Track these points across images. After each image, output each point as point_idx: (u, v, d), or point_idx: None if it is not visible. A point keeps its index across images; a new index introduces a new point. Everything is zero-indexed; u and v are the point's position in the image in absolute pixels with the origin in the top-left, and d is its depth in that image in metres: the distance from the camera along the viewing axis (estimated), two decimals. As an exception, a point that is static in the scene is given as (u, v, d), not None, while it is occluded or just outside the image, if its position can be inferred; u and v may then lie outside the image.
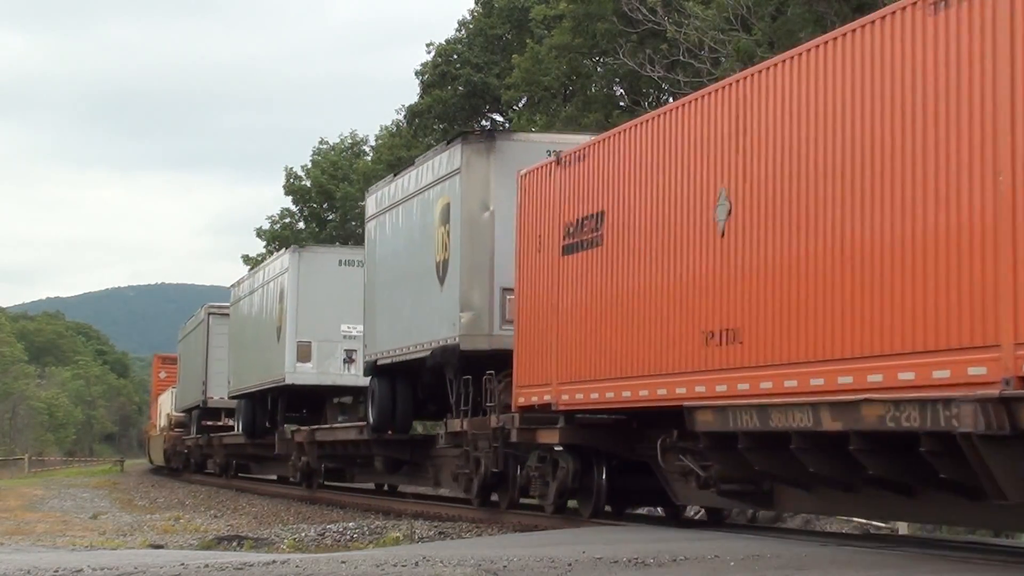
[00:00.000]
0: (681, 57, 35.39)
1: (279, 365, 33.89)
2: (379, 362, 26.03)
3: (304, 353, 33.10)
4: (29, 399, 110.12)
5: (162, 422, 63.24)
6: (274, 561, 12.53)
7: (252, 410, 38.66)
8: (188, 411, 52.22)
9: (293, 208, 73.09)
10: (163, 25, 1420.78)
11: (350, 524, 22.72)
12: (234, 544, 19.80)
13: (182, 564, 12.29)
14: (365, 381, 30.19)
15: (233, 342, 42.21)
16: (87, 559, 13.19)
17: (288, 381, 33.45)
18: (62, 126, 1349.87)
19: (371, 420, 26.20)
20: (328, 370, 33.20)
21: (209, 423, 47.58)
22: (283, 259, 34.87)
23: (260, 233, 73.98)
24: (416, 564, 12.06)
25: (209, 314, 47.29)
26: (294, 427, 34.10)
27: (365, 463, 29.40)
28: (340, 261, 33.37)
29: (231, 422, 44.38)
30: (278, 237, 71.55)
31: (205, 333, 47.19)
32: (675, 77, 36.55)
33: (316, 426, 32.66)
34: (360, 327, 29.77)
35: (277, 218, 73.42)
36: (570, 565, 11.93)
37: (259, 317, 37.67)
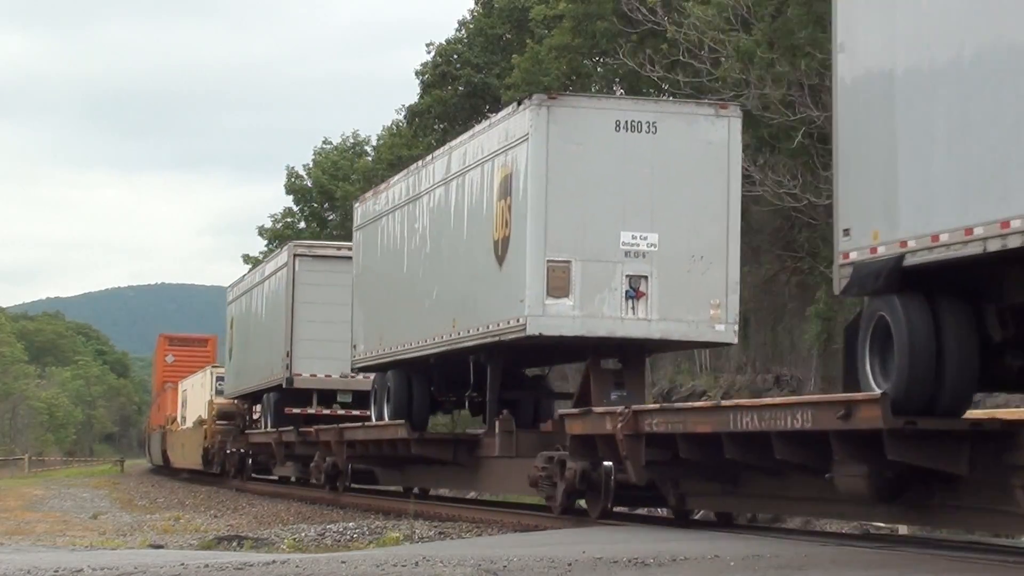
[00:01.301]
0: (681, 57, 35.38)
1: (509, 304, 20.33)
2: (908, 261, 12.62)
3: (559, 282, 19.67)
4: (29, 399, 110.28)
5: (191, 414, 52.36)
6: (274, 561, 12.53)
7: (407, 387, 25.60)
8: (250, 396, 40.39)
9: (294, 208, 73.17)
10: (164, 25, 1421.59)
11: (350, 524, 22.71)
12: (234, 544, 19.78)
13: (182, 564, 12.29)
14: (659, 331, 19.99)
15: (370, 284, 28.06)
16: (87, 559, 13.19)
17: (531, 331, 19.79)
18: (62, 126, 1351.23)
19: (880, 386, 13.04)
20: (600, 311, 19.90)
21: (296, 411, 34.22)
22: (516, 120, 20.48)
23: (262, 232, 74.03)
24: (416, 564, 12.06)
25: (296, 256, 34.05)
26: (568, 410, 19.98)
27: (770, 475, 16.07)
28: (619, 123, 20.12)
29: (327, 410, 34.02)
30: (280, 236, 71.69)
31: (287, 286, 34.09)
32: (675, 77, 36.53)
33: (659, 404, 19.83)
34: (653, 236, 19.66)
35: (279, 217, 73.50)
36: (570, 565, 11.94)
37: (444, 229, 23.59)
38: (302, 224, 72.08)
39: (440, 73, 54.82)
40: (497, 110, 56.08)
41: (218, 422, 45.13)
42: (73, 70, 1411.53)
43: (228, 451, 43.44)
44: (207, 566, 11.99)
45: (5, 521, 27.95)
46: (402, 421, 24.76)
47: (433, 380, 25.27)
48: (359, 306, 28.47)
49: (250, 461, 41.07)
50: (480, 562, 12.12)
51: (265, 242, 73.21)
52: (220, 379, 46.36)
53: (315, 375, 33.66)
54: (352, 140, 73.13)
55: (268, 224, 73.92)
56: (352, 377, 31.30)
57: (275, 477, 40.28)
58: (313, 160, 72.39)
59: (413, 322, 24.65)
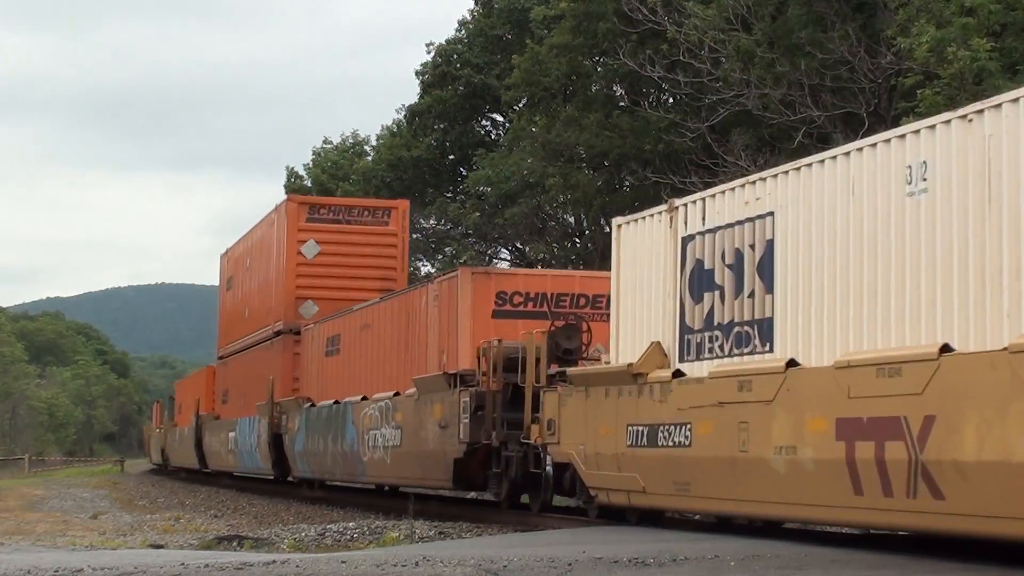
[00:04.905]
0: (681, 57, 35.40)
1: None
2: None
3: None
4: (29, 399, 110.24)
5: None
6: (274, 561, 12.53)
7: None
8: None
9: (293, 208, 73.19)
10: (165, 26, 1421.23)
11: (350, 524, 22.70)
12: (234, 544, 19.78)
13: (182, 564, 12.29)
14: None
15: None
16: (87, 559, 13.19)
17: None
18: (62, 126, 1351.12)
19: None
20: None
21: None
22: None
23: (260, 233, 74.03)
24: (416, 564, 12.06)
25: None
26: None
27: None
28: None
29: None
30: (278, 237, 71.61)
31: None
32: (675, 77, 36.57)
33: None
34: None
35: (277, 218, 73.52)
36: (570, 565, 11.94)
37: None
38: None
39: (440, 73, 54.79)
40: (497, 110, 56.07)
41: None
42: (73, 70, 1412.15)
43: None
44: (207, 566, 11.99)
45: (5, 521, 27.94)
46: None
47: None
48: None
49: None
50: (480, 562, 12.12)
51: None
52: None
53: None
54: (351, 140, 73.12)
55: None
56: None
57: None
58: (313, 160, 72.37)
59: None
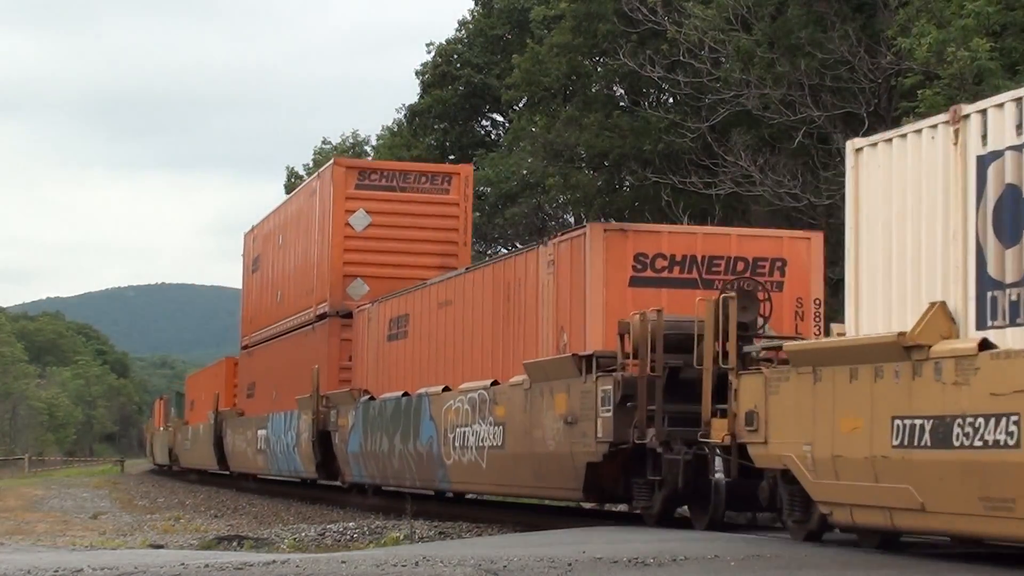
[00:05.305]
0: (681, 57, 35.42)
1: None
2: None
3: None
4: (29, 399, 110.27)
5: None
6: (274, 561, 12.53)
7: None
8: None
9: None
10: (165, 26, 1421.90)
11: (350, 524, 22.71)
12: (234, 544, 19.78)
13: (182, 564, 12.29)
14: None
15: None
16: (87, 559, 13.19)
17: None
18: (63, 126, 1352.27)
19: None
20: None
21: None
22: None
23: (260, 233, 73.97)
24: (416, 564, 12.06)
25: None
26: None
27: None
28: None
29: None
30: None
31: None
32: (675, 77, 36.58)
33: None
34: None
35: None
36: (570, 565, 11.94)
37: None
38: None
39: (440, 73, 54.80)
40: (497, 110, 55.99)
41: None
42: (74, 70, 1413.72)
43: None
44: (207, 566, 11.99)
45: (5, 521, 27.93)
46: None
47: None
48: None
49: None
50: (480, 562, 12.12)
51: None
52: None
53: None
54: (351, 140, 73.10)
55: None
56: None
57: None
58: (313, 160, 72.32)
59: None
